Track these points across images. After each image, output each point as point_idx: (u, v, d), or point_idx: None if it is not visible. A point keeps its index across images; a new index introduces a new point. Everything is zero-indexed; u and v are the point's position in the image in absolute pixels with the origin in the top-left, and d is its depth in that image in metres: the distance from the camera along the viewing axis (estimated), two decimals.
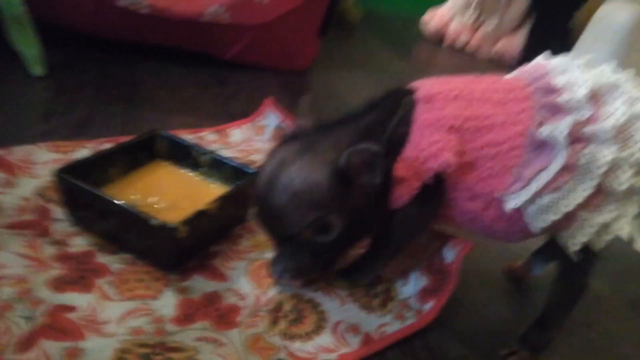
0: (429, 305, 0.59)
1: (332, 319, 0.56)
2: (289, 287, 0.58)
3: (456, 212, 0.54)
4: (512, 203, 0.51)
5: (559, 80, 0.51)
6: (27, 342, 0.46)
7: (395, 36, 1.81)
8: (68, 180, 0.59)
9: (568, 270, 0.56)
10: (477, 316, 0.63)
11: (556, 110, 0.50)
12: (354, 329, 0.56)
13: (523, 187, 0.50)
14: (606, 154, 0.47)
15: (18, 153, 0.71)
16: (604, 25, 0.90)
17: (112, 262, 0.58)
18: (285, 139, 0.55)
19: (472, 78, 0.56)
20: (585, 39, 0.94)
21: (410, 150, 0.51)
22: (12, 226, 0.59)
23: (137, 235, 0.57)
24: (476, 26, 1.67)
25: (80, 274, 0.55)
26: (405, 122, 0.52)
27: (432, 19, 1.77)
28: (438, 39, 1.76)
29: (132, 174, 0.69)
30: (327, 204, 0.50)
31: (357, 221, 0.53)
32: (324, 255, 0.56)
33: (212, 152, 0.71)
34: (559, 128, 0.48)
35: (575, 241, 0.51)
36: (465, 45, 1.69)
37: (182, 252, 0.58)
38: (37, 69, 1.00)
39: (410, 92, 0.54)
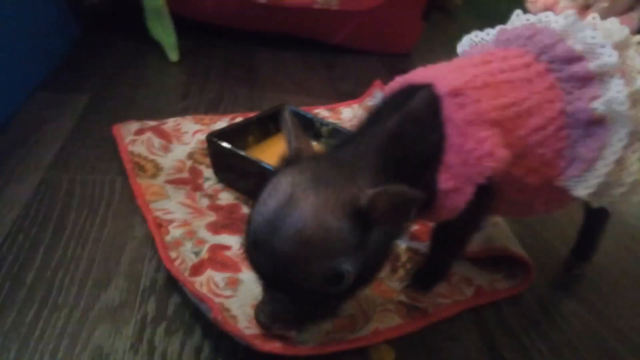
0: None
1: None
2: (280, 333, 0.46)
3: (502, 203, 0.50)
4: (582, 190, 0.47)
5: (574, 45, 0.47)
6: (197, 270, 0.56)
7: (498, 19, 1.80)
8: (218, 143, 0.69)
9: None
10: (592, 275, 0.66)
11: (585, 78, 0.47)
12: (467, 280, 0.61)
13: (585, 170, 0.47)
14: None
15: (170, 124, 0.84)
16: None
17: None
18: (285, 164, 0.45)
19: (477, 59, 0.50)
20: None
21: (453, 156, 0.44)
22: (173, 182, 0.71)
23: None
24: (586, 5, 1.61)
25: (230, 221, 0.65)
26: (435, 126, 0.45)
27: None
28: None
29: (264, 142, 0.79)
30: (343, 252, 0.40)
31: (373, 264, 0.44)
32: (328, 305, 0.45)
33: (332, 123, 0.79)
34: (616, 100, 0.45)
35: (629, 201, 0.50)
36: None
37: None
38: (174, 55, 1.13)
39: (426, 89, 0.46)
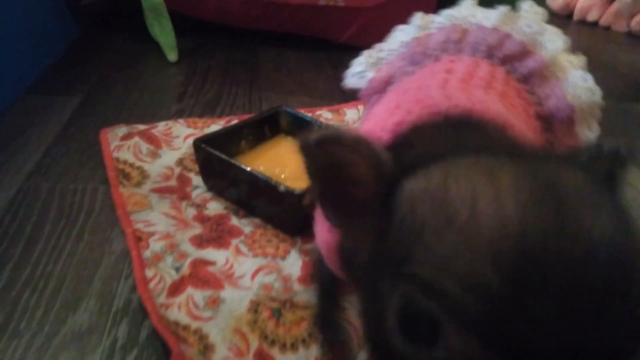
0: None
1: None
2: None
3: None
4: None
5: (520, 37, 0.41)
6: (177, 288, 0.52)
7: None
8: (206, 149, 0.64)
9: None
10: None
11: (541, 73, 0.40)
12: None
13: None
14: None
15: (160, 127, 0.79)
16: None
17: (244, 225, 0.62)
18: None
19: (457, 75, 0.38)
20: None
21: None
22: (159, 190, 0.67)
23: (266, 201, 0.61)
24: (609, 0, 1.53)
25: (217, 234, 0.60)
26: None
27: None
28: (566, 14, 1.65)
29: (259, 147, 0.74)
30: None
31: None
32: None
33: (332, 126, 0.74)
34: (592, 89, 0.40)
35: None
36: (597, 20, 1.57)
37: (306, 217, 0.61)
38: (172, 55, 1.09)
39: (471, 119, 0.31)
